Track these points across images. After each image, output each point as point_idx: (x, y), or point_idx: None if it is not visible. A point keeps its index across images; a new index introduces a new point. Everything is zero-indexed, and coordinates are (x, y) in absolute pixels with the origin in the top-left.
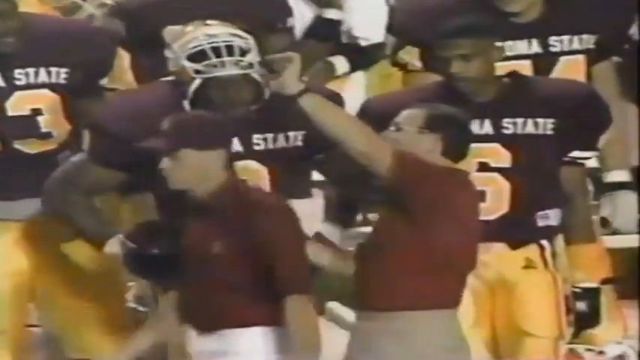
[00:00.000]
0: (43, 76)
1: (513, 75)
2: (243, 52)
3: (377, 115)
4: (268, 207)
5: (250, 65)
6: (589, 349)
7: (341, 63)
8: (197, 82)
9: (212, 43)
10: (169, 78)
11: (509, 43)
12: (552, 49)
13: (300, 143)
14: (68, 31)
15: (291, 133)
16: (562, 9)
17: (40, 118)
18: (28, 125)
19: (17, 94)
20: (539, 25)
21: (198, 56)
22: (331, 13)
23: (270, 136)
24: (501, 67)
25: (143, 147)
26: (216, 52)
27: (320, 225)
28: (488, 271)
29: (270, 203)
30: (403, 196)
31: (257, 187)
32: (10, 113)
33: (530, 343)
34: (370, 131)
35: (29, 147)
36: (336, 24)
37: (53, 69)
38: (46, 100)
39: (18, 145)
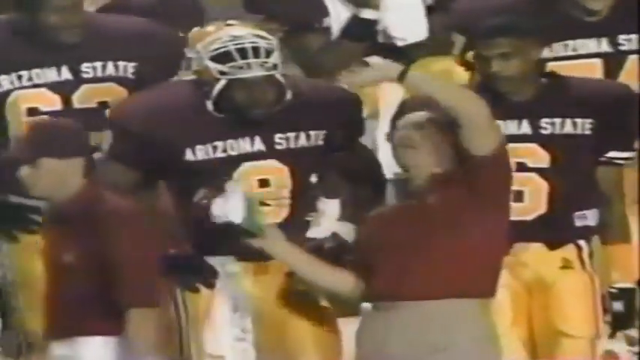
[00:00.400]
0: (110, 70)
1: (551, 75)
2: (268, 53)
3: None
4: (118, 217)
5: (274, 66)
6: (629, 350)
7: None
8: (222, 83)
9: (237, 44)
10: (190, 77)
11: (579, 41)
12: (621, 48)
13: (321, 142)
14: (137, 28)
15: (312, 132)
16: (631, 7)
17: (106, 112)
18: (94, 118)
19: (84, 87)
20: (608, 24)
21: (223, 57)
22: (367, 13)
23: (291, 135)
24: (571, 66)
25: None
26: (242, 53)
27: (336, 224)
28: (526, 271)
29: (122, 214)
30: (483, 180)
31: (114, 196)
32: (76, 106)
33: (566, 343)
34: (484, 104)
35: (96, 140)
36: (372, 24)
37: (121, 63)
38: (112, 93)
39: None
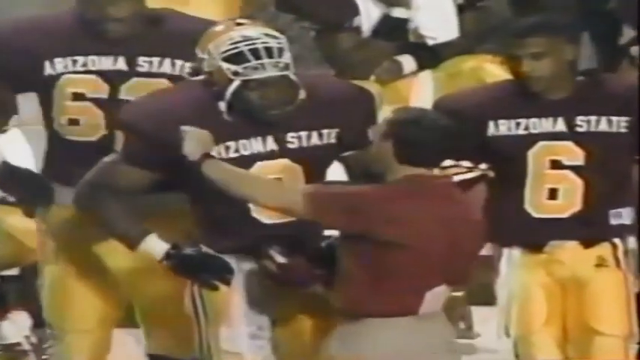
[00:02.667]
0: (166, 67)
1: (587, 73)
2: (280, 53)
3: (449, 114)
4: None
5: (287, 66)
6: None
7: (408, 62)
8: (235, 84)
9: (250, 44)
10: (201, 78)
11: None
12: None
13: (333, 141)
14: (199, 27)
15: (324, 131)
16: None
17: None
18: None
19: (136, 79)
20: None
21: (236, 58)
22: (399, 12)
23: (304, 134)
24: None
25: None
26: (255, 54)
27: None
28: (561, 270)
29: None
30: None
31: None
32: (122, 96)
33: (600, 341)
34: (275, 184)
35: None
36: (403, 23)
37: (178, 61)
38: None
39: None
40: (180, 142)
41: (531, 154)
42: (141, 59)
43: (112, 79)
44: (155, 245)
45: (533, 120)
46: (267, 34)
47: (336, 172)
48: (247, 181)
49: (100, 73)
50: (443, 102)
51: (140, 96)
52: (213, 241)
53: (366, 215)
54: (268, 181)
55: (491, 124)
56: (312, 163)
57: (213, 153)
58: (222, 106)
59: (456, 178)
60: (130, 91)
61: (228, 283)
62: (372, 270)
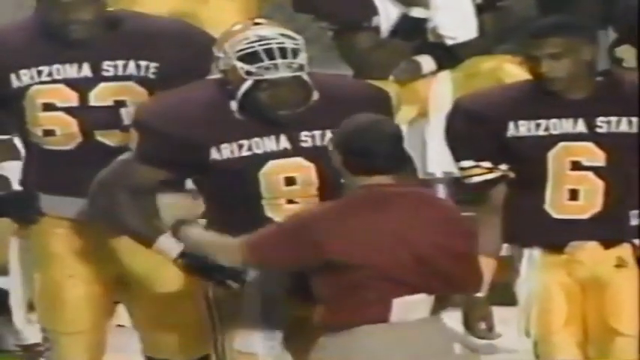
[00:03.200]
0: (131, 69)
1: (607, 73)
2: (295, 54)
3: (468, 114)
4: None
5: (301, 67)
6: None
7: (427, 62)
8: (248, 84)
9: (264, 44)
10: (215, 77)
11: None
12: None
13: None
14: (161, 27)
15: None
16: None
17: (123, 110)
18: (110, 116)
19: (103, 84)
20: None
21: (250, 57)
22: (417, 12)
23: (317, 133)
24: None
25: None
26: (269, 54)
27: None
28: (581, 270)
29: None
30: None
31: None
32: (92, 103)
33: (620, 341)
34: (222, 242)
35: (111, 139)
36: (422, 23)
37: (143, 62)
38: (131, 92)
39: (100, 137)
40: (194, 141)
41: (551, 155)
42: (105, 64)
43: (79, 86)
44: (170, 244)
45: (553, 121)
46: (283, 35)
47: None
48: (210, 247)
49: (67, 82)
50: (462, 102)
51: (155, 95)
52: None
53: (311, 242)
54: (223, 243)
55: (511, 124)
56: (326, 162)
57: (227, 151)
58: (234, 105)
59: (477, 179)
60: (99, 97)
61: (241, 283)
62: (332, 287)
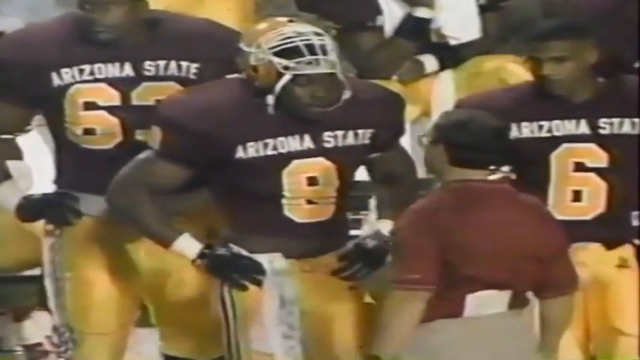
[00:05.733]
0: (173, 69)
1: (609, 75)
2: (330, 51)
3: None
4: None
5: (335, 65)
6: None
7: (430, 61)
8: (286, 78)
9: (305, 40)
10: (238, 75)
11: None
12: None
13: (367, 141)
14: (202, 28)
15: (360, 131)
16: None
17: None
18: (151, 115)
19: (145, 84)
20: None
21: (289, 52)
22: (421, 12)
23: (340, 133)
24: None
25: None
26: (311, 49)
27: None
28: (583, 271)
29: None
30: None
31: None
32: (134, 102)
33: (623, 341)
34: None
35: (150, 139)
36: (425, 23)
37: (184, 63)
38: (172, 92)
39: (140, 137)
40: (221, 139)
41: (554, 156)
42: (147, 64)
43: (121, 85)
44: (189, 245)
45: (556, 122)
46: (317, 33)
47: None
48: None
49: (109, 81)
50: (465, 103)
51: (178, 92)
52: (246, 241)
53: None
54: None
55: (513, 126)
56: (346, 162)
57: (253, 150)
58: (270, 99)
59: None
60: (141, 97)
61: (259, 283)
62: None
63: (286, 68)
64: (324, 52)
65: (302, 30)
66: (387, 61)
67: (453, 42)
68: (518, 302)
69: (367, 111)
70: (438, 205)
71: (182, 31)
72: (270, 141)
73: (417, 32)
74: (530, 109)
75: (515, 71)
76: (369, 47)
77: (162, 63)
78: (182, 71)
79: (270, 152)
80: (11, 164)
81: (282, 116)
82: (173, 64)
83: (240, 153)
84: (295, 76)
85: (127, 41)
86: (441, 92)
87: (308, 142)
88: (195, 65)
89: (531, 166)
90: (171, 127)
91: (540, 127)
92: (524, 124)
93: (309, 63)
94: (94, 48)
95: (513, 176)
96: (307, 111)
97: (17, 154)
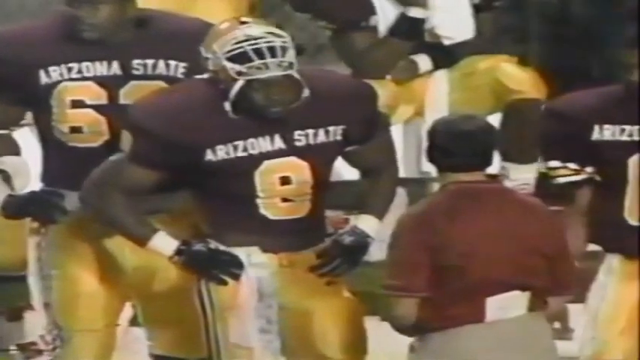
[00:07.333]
0: (161, 68)
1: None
2: (284, 52)
3: (559, 115)
4: None
5: (291, 65)
6: None
7: (424, 61)
8: (239, 84)
9: (253, 44)
10: (204, 76)
11: None
12: None
13: (339, 137)
14: (190, 28)
15: (331, 128)
16: None
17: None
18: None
19: (132, 83)
20: None
21: (240, 58)
22: (415, 12)
23: (310, 132)
24: None
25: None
26: (259, 53)
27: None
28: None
29: None
30: None
31: None
32: (122, 101)
33: None
34: None
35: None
36: (419, 22)
37: (172, 62)
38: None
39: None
40: (189, 143)
41: (631, 162)
42: (135, 62)
43: (109, 84)
44: (165, 242)
45: (637, 127)
46: (270, 33)
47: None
48: None
49: (96, 79)
50: (553, 104)
51: (146, 95)
52: (223, 237)
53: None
54: None
55: (596, 128)
56: (319, 160)
57: (222, 152)
58: (227, 105)
59: (563, 180)
60: (129, 96)
61: (237, 277)
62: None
63: (239, 74)
64: (274, 55)
65: (253, 33)
66: (380, 60)
67: (447, 42)
68: (537, 305)
69: (337, 107)
70: (433, 208)
71: (171, 30)
72: (239, 143)
73: (411, 32)
74: (615, 112)
75: (509, 71)
76: (363, 47)
77: (150, 62)
78: (170, 70)
79: (240, 154)
80: (7, 160)
81: (249, 118)
82: (161, 63)
83: (209, 156)
84: (248, 80)
85: (115, 40)
86: (435, 92)
87: (279, 142)
88: (183, 64)
89: (609, 169)
90: (140, 132)
91: (622, 131)
92: (606, 126)
93: (259, 68)
94: (82, 46)
95: (598, 178)
96: (266, 112)
97: (14, 150)
